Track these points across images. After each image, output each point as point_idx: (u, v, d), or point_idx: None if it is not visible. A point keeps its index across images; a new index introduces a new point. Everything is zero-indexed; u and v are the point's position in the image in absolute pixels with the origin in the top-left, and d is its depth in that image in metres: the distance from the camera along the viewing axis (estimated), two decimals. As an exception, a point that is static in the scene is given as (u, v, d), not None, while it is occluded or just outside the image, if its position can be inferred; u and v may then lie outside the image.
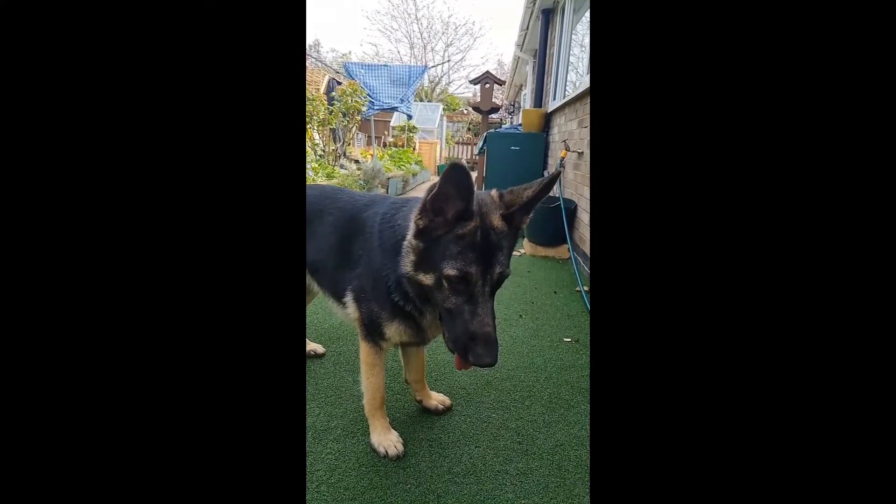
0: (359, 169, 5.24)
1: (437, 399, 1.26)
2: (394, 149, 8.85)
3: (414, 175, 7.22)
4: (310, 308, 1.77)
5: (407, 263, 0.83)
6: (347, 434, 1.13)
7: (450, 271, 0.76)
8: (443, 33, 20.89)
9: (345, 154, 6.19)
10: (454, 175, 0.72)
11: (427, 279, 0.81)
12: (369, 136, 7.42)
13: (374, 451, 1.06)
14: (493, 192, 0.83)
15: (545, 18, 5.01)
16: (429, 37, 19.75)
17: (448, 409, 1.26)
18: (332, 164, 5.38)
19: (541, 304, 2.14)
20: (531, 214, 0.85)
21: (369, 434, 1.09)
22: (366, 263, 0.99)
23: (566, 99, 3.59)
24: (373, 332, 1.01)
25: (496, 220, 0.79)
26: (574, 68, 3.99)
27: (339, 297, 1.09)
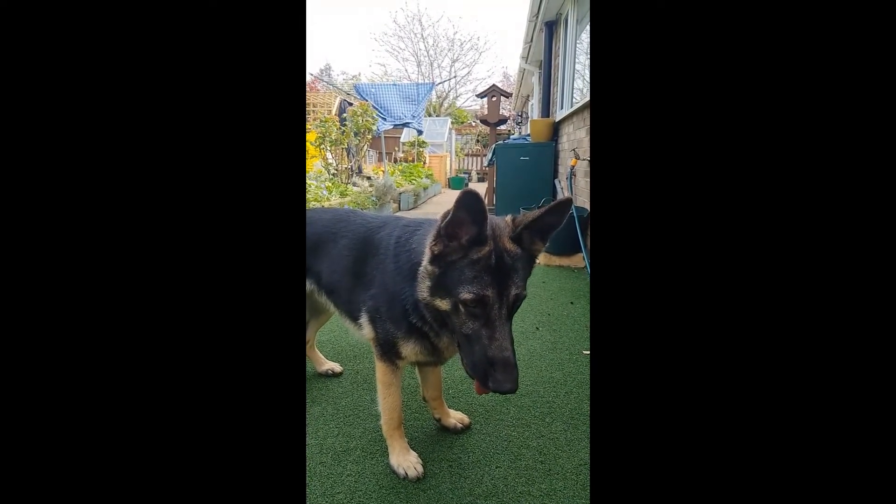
0: (371, 186, 5.34)
1: (455, 417, 1.24)
2: (404, 164, 8.99)
3: (425, 189, 7.30)
4: (326, 326, 1.79)
5: (423, 289, 0.84)
6: (367, 455, 1.12)
7: (466, 295, 0.76)
8: (448, 50, 21.36)
9: (359, 170, 6.33)
10: (467, 201, 0.73)
11: (444, 304, 0.81)
12: (380, 153, 7.58)
13: (394, 472, 1.05)
14: (508, 218, 0.84)
15: (548, 30, 5.07)
16: (435, 54, 20.21)
17: (467, 428, 1.24)
18: (345, 182, 5.50)
19: (557, 316, 2.10)
20: (546, 241, 0.84)
21: (388, 455, 1.08)
22: (380, 284, 1.01)
23: (574, 108, 3.59)
24: (389, 351, 1.02)
25: (510, 244, 0.79)
26: (581, 76, 4.01)
27: (354, 318, 1.10)
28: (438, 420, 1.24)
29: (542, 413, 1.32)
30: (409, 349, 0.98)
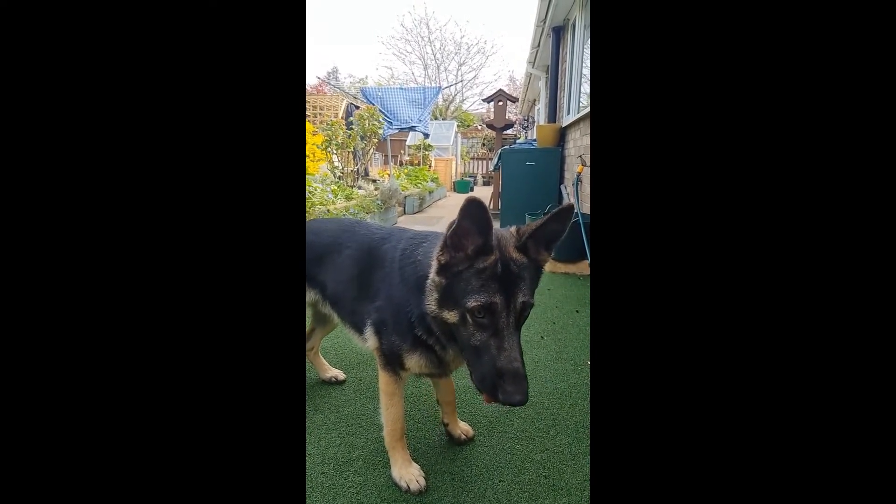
0: (376, 189, 5.36)
1: (461, 428, 1.23)
2: (410, 167, 9.02)
3: (430, 192, 7.30)
4: (331, 333, 1.79)
5: (431, 301, 0.84)
6: (369, 466, 1.11)
7: (473, 303, 0.76)
8: (455, 54, 21.35)
9: (366, 173, 6.36)
10: (471, 210, 0.73)
11: (452, 316, 0.81)
12: (386, 156, 7.61)
13: (396, 485, 1.04)
14: (513, 229, 0.84)
15: (556, 36, 5.06)
16: (442, 58, 20.27)
17: (470, 440, 1.22)
18: (350, 186, 5.52)
19: (563, 324, 2.08)
20: (552, 251, 0.84)
21: (390, 467, 1.07)
22: (386, 296, 1.00)
23: (581, 114, 3.58)
24: (392, 362, 1.01)
25: (515, 253, 0.79)
26: (588, 81, 3.99)
27: (358, 329, 1.09)
28: (446, 426, 1.23)
29: (547, 425, 1.30)
30: (413, 361, 0.98)
